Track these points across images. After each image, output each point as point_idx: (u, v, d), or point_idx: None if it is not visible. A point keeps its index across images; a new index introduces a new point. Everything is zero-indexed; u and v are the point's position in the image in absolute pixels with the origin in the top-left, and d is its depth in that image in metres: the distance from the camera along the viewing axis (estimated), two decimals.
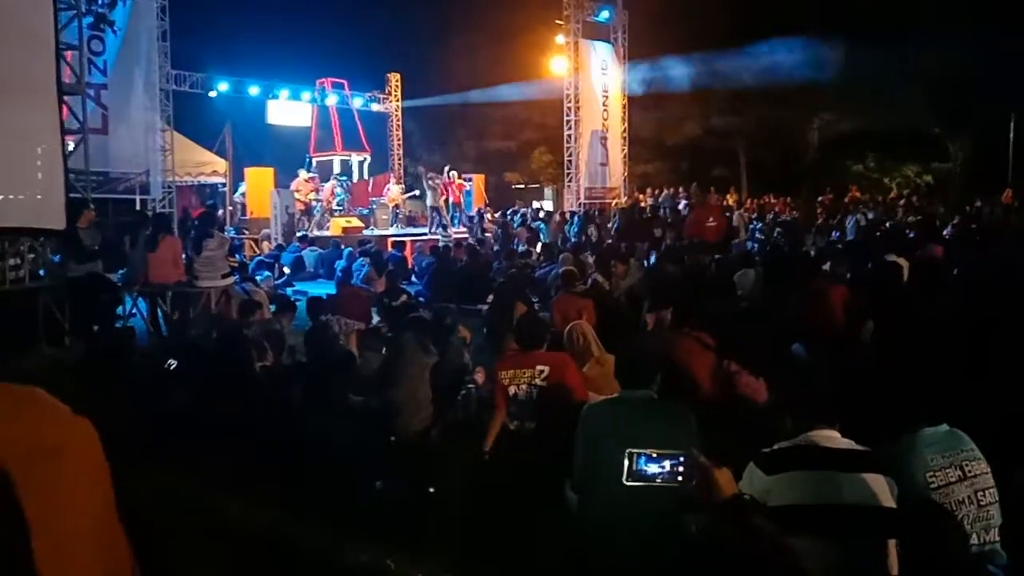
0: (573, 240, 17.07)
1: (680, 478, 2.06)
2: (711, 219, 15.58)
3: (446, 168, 21.64)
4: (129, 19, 14.15)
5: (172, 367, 5.32)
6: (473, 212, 22.49)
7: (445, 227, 19.83)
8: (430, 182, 20.12)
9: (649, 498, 2.55)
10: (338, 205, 21.83)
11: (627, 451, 2.10)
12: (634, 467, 2.08)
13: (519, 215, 22.19)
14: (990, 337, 5.13)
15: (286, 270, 15.68)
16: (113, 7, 13.29)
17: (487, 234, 19.67)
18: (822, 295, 6.90)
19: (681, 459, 2.07)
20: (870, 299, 6.68)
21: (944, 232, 14.08)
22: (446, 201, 20.62)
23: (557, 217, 20.47)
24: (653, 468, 2.08)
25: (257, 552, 3.32)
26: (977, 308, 6.08)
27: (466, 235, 19.35)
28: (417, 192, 22.21)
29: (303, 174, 20.71)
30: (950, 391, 3.24)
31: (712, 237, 14.72)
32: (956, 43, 23.10)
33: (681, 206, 21.55)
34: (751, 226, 19.77)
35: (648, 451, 2.09)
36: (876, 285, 7.31)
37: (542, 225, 19.75)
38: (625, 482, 2.08)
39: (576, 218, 19.71)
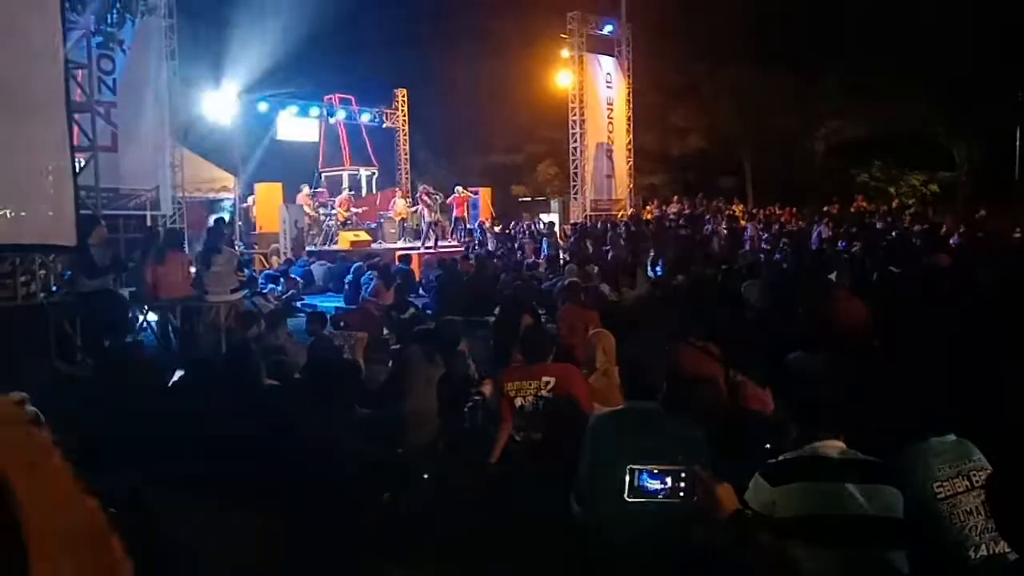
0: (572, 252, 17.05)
1: (682, 494, 2.06)
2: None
3: (456, 187, 21.95)
4: (136, 38, 14.26)
5: (179, 379, 5.35)
6: (475, 225, 22.49)
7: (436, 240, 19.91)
8: (425, 199, 20.17)
9: (652, 512, 2.54)
10: (348, 220, 21.99)
11: (628, 467, 2.10)
12: (635, 483, 2.08)
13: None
14: (997, 346, 5.12)
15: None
16: (122, 26, 13.40)
17: (484, 248, 19.69)
18: (831, 304, 6.91)
19: (683, 475, 2.07)
20: (876, 309, 6.68)
21: (951, 241, 14.00)
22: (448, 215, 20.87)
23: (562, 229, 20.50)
24: (655, 484, 2.08)
25: (263, 566, 3.33)
26: (984, 317, 6.06)
27: (461, 248, 19.33)
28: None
29: (305, 190, 20.89)
30: (957, 401, 3.23)
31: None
32: (961, 50, 23.08)
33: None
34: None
35: (649, 467, 2.09)
36: (881, 295, 7.31)
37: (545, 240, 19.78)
38: (627, 498, 2.09)
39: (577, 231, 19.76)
